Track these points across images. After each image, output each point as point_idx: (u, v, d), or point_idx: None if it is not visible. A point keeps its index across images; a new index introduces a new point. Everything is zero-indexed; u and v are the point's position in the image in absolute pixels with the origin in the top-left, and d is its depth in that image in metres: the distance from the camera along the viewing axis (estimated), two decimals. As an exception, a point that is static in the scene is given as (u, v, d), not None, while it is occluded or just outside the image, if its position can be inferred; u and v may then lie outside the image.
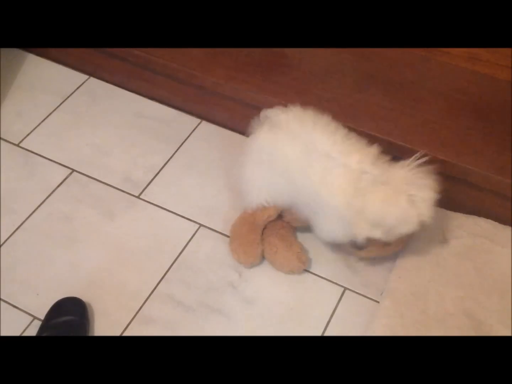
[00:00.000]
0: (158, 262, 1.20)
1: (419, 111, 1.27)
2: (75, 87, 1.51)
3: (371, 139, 1.24)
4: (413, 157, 1.06)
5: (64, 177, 1.33)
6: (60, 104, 1.48)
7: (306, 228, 1.19)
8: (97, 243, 1.22)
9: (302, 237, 1.22)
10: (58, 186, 1.32)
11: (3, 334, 1.09)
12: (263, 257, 1.19)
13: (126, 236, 1.24)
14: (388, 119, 1.25)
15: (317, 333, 1.10)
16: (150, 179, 1.34)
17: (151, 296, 1.15)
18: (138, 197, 1.30)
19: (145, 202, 1.29)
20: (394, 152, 1.24)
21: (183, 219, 1.27)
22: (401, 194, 1.01)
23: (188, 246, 1.22)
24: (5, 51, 1.55)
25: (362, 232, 1.04)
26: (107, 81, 1.52)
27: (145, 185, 1.32)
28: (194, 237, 1.24)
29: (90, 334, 1.09)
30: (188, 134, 1.42)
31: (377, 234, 1.04)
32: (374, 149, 1.07)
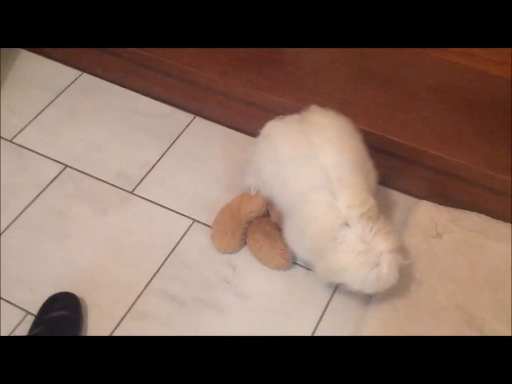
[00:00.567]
0: (152, 257, 1.20)
1: (413, 107, 1.27)
2: (69, 83, 1.51)
3: (365, 135, 1.25)
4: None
5: (57, 173, 1.33)
6: (54, 100, 1.47)
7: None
8: (90, 239, 1.22)
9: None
10: (52, 181, 1.31)
11: (-4, 329, 1.09)
12: (240, 247, 1.20)
13: (119, 231, 1.24)
14: (382, 114, 1.26)
15: (311, 326, 1.10)
16: (143, 175, 1.33)
17: (145, 291, 1.15)
18: (131, 192, 1.30)
19: (139, 198, 1.29)
20: (388, 147, 1.25)
21: (176, 214, 1.27)
22: (369, 265, 0.99)
23: (181, 241, 1.22)
24: (-2, 47, 1.55)
25: (319, 271, 1.06)
26: (100, 77, 1.52)
27: (138, 181, 1.32)
28: (187, 232, 1.24)
29: (84, 329, 1.09)
30: (181, 130, 1.42)
31: (331, 279, 1.06)
32: (370, 201, 1.03)
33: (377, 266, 0.99)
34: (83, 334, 1.09)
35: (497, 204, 1.23)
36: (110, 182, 1.32)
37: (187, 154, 1.37)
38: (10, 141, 1.38)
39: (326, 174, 1.02)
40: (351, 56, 1.37)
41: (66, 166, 1.34)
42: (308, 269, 1.18)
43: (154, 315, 1.12)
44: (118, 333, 1.09)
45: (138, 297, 1.14)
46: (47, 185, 1.31)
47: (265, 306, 1.13)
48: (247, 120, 1.39)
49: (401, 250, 1.02)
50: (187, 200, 1.29)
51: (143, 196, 1.30)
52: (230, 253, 1.20)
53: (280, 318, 1.12)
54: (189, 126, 1.43)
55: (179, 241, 1.22)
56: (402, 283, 1.14)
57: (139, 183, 1.32)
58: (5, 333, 1.09)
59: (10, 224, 1.24)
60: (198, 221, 1.25)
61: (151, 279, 1.17)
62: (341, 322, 1.11)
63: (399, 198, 1.30)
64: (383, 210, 1.27)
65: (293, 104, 1.28)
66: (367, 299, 1.14)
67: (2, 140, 1.39)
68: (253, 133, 1.40)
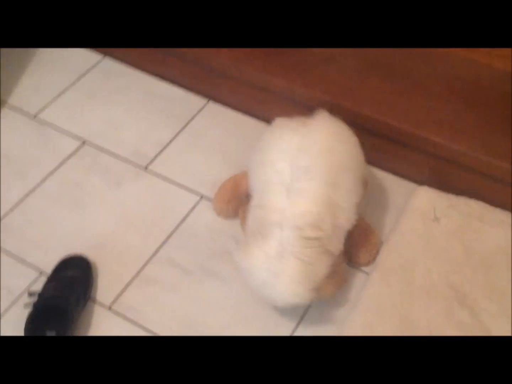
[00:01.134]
0: (161, 228, 1.26)
1: (417, 96, 1.32)
2: (91, 66, 1.59)
3: (369, 121, 1.30)
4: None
5: (76, 147, 1.40)
6: (76, 81, 1.55)
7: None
8: (104, 209, 1.29)
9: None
10: (70, 155, 1.39)
11: (13, 288, 1.16)
12: (234, 216, 1.26)
13: (131, 203, 1.30)
14: (386, 102, 1.31)
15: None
16: (157, 153, 1.40)
17: (153, 258, 1.21)
18: (145, 168, 1.37)
19: (151, 174, 1.36)
20: (391, 133, 1.30)
21: (186, 190, 1.33)
22: (268, 271, 1.01)
23: (190, 215, 1.29)
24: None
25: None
26: (120, 61, 1.59)
27: (152, 158, 1.39)
28: (196, 208, 1.30)
29: (93, 291, 1.16)
30: (195, 113, 1.49)
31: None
32: (315, 216, 1.02)
33: (275, 278, 1.00)
34: (92, 295, 1.15)
35: (495, 192, 1.27)
36: (125, 158, 1.39)
37: (199, 136, 1.44)
38: (34, 117, 1.46)
39: (292, 175, 1.04)
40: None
41: (85, 141, 1.42)
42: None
43: (160, 281, 1.18)
44: (125, 295, 1.16)
45: (145, 264, 1.20)
46: (66, 159, 1.38)
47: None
48: (258, 105, 1.45)
49: (302, 285, 1.01)
50: (197, 178, 1.35)
51: (155, 172, 1.36)
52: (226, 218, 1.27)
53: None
54: (202, 110, 1.50)
55: (187, 215, 1.29)
56: (398, 261, 1.19)
57: (152, 160, 1.39)
58: (19, 291, 1.16)
59: (29, 193, 1.31)
60: (206, 198, 1.32)
61: (159, 248, 1.23)
62: (340, 296, 1.16)
63: (399, 184, 1.35)
64: (383, 195, 1.33)
65: (301, 90, 1.34)
66: (364, 276, 1.19)
67: (26, 115, 1.46)
68: (263, 117, 1.47)
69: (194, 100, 1.52)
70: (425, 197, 1.29)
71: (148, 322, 1.12)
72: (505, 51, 1.35)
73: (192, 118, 1.48)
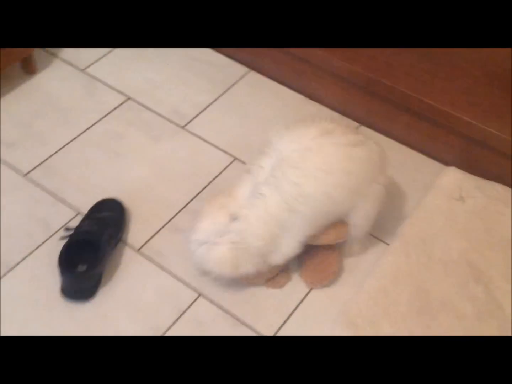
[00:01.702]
0: (193, 183, 1.32)
1: (453, 77, 1.34)
2: (141, 28, 1.65)
3: (404, 97, 1.33)
4: None
5: (120, 102, 1.47)
6: (125, 41, 1.62)
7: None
8: (141, 160, 1.36)
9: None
10: (114, 109, 1.46)
11: (51, 224, 1.23)
12: None
13: (167, 158, 1.36)
14: (422, 80, 1.33)
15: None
16: (196, 114, 1.46)
17: (183, 210, 1.27)
18: (183, 127, 1.43)
19: (189, 133, 1.42)
20: (424, 111, 1.32)
21: (220, 151, 1.38)
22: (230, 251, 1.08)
23: (221, 174, 1.34)
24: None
25: None
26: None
27: (190, 118, 1.45)
28: (228, 167, 1.35)
29: (125, 234, 1.23)
30: (236, 80, 1.54)
31: None
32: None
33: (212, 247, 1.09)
34: (123, 237, 1.22)
35: (523, 179, 1.28)
36: (166, 116, 1.45)
37: (237, 102, 1.49)
38: (83, 70, 1.54)
39: (267, 177, 1.08)
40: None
41: (129, 97, 1.48)
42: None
43: (188, 231, 1.24)
44: (154, 241, 1.22)
45: (176, 214, 1.27)
46: (110, 111, 1.45)
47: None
48: (297, 77, 1.49)
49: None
50: (232, 141, 1.41)
51: (192, 131, 1.42)
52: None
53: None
54: (243, 78, 1.55)
55: (219, 174, 1.34)
56: (419, 235, 1.22)
57: (190, 120, 1.44)
58: (56, 227, 1.23)
59: (74, 139, 1.39)
60: (239, 159, 1.37)
61: (190, 201, 1.29)
62: (361, 263, 1.20)
63: (428, 163, 1.37)
64: (410, 173, 1.35)
65: (340, 63, 1.37)
66: (385, 246, 1.22)
67: (76, 69, 1.54)
68: (300, 89, 1.51)
69: (236, 68, 1.57)
70: (452, 177, 1.31)
71: (173, 267, 1.19)
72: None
73: (233, 85, 1.53)
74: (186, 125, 1.44)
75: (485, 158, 1.31)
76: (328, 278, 1.18)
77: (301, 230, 1.11)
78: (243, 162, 1.36)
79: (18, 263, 1.17)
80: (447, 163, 1.35)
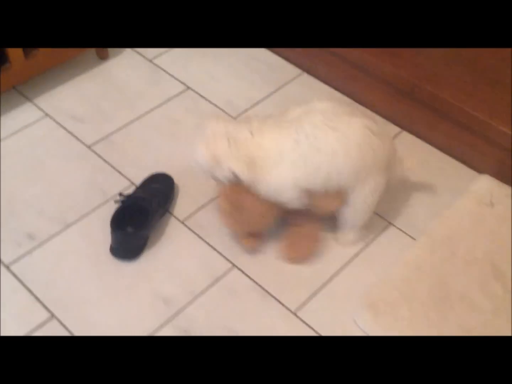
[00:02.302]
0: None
1: (496, 90, 1.40)
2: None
3: (445, 104, 1.39)
4: None
5: (180, 91, 1.60)
6: (191, 38, 1.76)
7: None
8: (194, 144, 1.47)
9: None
10: (174, 96, 1.59)
11: (107, 191, 1.36)
12: None
13: (218, 143, 1.48)
14: (465, 90, 1.40)
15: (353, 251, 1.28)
16: (247, 107, 1.57)
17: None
18: (234, 118, 1.54)
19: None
20: (464, 120, 1.38)
21: (267, 142, 1.49)
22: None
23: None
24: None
25: None
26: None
27: (242, 111, 1.56)
28: (272, 157, 1.45)
29: (172, 205, 1.34)
30: (289, 80, 1.65)
31: None
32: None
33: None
34: (170, 208, 1.34)
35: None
36: (220, 106, 1.57)
37: (287, 100, 1.59)
38: (150, 61, 1.68)
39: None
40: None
41: (189, 87, 1.61)
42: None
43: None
44: (198, 215, 1.33)
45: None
46: (170, 98, 1.58)
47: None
48: (347, 81, 1.58)
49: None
50: (279, 134, 1.50)
51: (243, 122, 1.53)
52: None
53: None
54: (296, 79, 1.65)
55: (263, 162, 1.44)
56: (446, 233, 1.28)
57: (242, 113, 1.56)
58: (111, 194, 1.36)
59: (135, 119, 1.53)
60: (284, 151, 1.46)
61: (234, 183, 1.39)
62: (383, 257, 1.27)
63: (462, 170, 1.43)
64: (444, 178, 1.41)
65: (388, 68, 1.45)
66: (411, 241, 1.29)
67: (144, 58, 1.69)
68: (349, 93, 1.60)
69: (290, 69, 1.67)
70: (485, 184, 1.36)
71: (211, 239, 1.29)
72: None
73: (285, 84, 1.64)
74: (237, 116, 1.55)
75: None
76: (307, 252, 1.25)
77: (302, 173, 1.16)
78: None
79: (75, 222, 1.31)
80: (481, 171, 1.41)
